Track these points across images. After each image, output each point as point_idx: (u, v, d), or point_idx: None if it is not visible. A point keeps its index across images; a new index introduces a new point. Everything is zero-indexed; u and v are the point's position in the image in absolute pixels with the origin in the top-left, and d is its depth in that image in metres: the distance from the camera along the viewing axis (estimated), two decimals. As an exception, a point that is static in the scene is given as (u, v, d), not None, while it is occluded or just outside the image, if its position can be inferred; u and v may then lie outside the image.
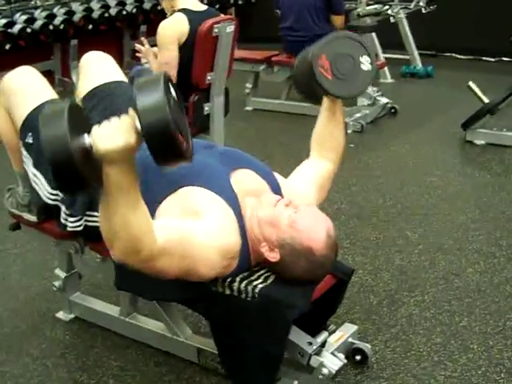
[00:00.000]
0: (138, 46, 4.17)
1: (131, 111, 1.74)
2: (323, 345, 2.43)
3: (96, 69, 2.95)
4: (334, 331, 2.56)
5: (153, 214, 2.16)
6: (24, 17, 6.94)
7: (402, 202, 4.22)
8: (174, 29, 4.04)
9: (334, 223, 3.75)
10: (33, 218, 2.85)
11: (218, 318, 2.37)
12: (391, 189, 4.45)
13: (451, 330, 2.90)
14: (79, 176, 1.70)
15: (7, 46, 6.55)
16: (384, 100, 5.95)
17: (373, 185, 4.54)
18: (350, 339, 2.67)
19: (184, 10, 4.10)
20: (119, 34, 7.94)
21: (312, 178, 2.55)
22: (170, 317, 2.74)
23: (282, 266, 2.23)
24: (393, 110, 6.04)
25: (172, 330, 2.76)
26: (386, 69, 7.09)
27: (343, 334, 2.65)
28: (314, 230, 2.20)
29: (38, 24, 6.84)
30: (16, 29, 6.66)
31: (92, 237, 2.66)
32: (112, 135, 1.74)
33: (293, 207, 2.24)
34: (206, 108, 4.27)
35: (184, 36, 4.02)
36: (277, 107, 6.34)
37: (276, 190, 2.39)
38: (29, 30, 6.72)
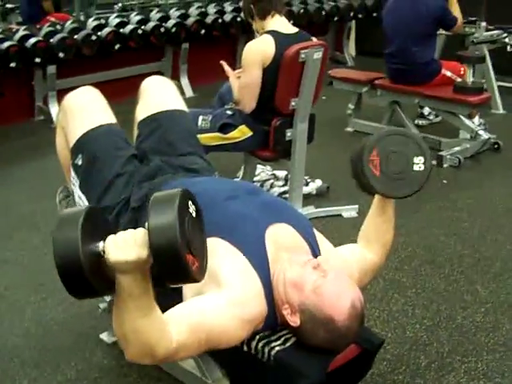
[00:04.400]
0: (223, 63, 4.16)
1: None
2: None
3: (156, 94, 2.92)
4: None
5: None
6: (137, 17, 7.03)
7: (481, 252, 3.99)
8: (258, 51, 3.96)
9: (404, 268, 3.70)
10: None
11: (234, 373, 2.30)
12: (474, 235, 4.23)
13: (496, 409, 2.71)
14: (87, 283, 1.69)
15: (117, 47, 6.65)
16: (486, 135, 5.65)
17: (455, 228, 4.32)
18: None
19: (272, 32, 4.01)
20: (233, 41, 7.95)
21: (355, 258, 2.43)
22: (201, 356, 2.67)
23: (302, 331, 2.12)
24: (496, 146, 5.71)
25: (201, 369, 2.67)
26: (498, 98, 6.77)
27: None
28: (337, 298, 2.06)
29: (149, 26, 6.92)
30: (127, 29, 6.76)
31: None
32: (124, 247, 1.72)
33: (320, 271, 2.12)
34: (289, 134, 4.16)
35: (269, 59, 3.93)
36: (377, 131, 6.10)
37: (314, 250, 2.28)
38: (140, 32, 6.80)
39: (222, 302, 2.03)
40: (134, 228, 2.45)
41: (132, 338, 1.85)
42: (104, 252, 1.74)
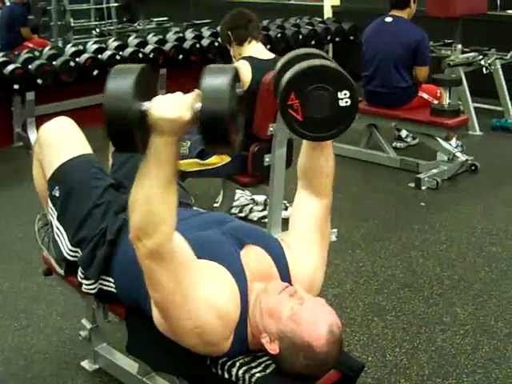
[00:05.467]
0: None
1: (196, 92, 1.87)
2: None
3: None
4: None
5: None
6: (115, 43, 7.04)
7: (460, 274, 4.02)
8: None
9: (384, 292, 3.72)
10: (60, 271, 2.82)
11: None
12: (452, 257, 4.25)
13: (475, 431, 2.72)
14: (128, 132, 1.84)
15: (95, 72, 6.65)
16: (463, 157, 5.69)
17: (434, 251, 4.34)
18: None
19: (249, 58, 4.06)
20: (211, 65, 7.95)
21: (311, 231, 2.38)
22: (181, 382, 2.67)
23: (281, 359, 2.12)
24: (473, 168, 5.73)
25: (182, 397, 2.68)
26: (474, 120, 6.82)
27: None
28: (315, 324, 2.07)
29: (127, 51, 6.92)
30: (106, 55, 6.75)
31: (107, 300, 2.63)
32: (169, 105, 1.87)
33: (297, 298, 2.13)
34: (267, 159, 4.17)
35: (245, 85, 3.94)
36: (355, 154, 6.16)
37: (284, 272, 2.29)
38: (118, 58, 6.79)
39: (208, 281, 2.12)
40: (110, 262, 2.50)
41: (141, 204, 1.96)
42: (148, 111, 1.87)
